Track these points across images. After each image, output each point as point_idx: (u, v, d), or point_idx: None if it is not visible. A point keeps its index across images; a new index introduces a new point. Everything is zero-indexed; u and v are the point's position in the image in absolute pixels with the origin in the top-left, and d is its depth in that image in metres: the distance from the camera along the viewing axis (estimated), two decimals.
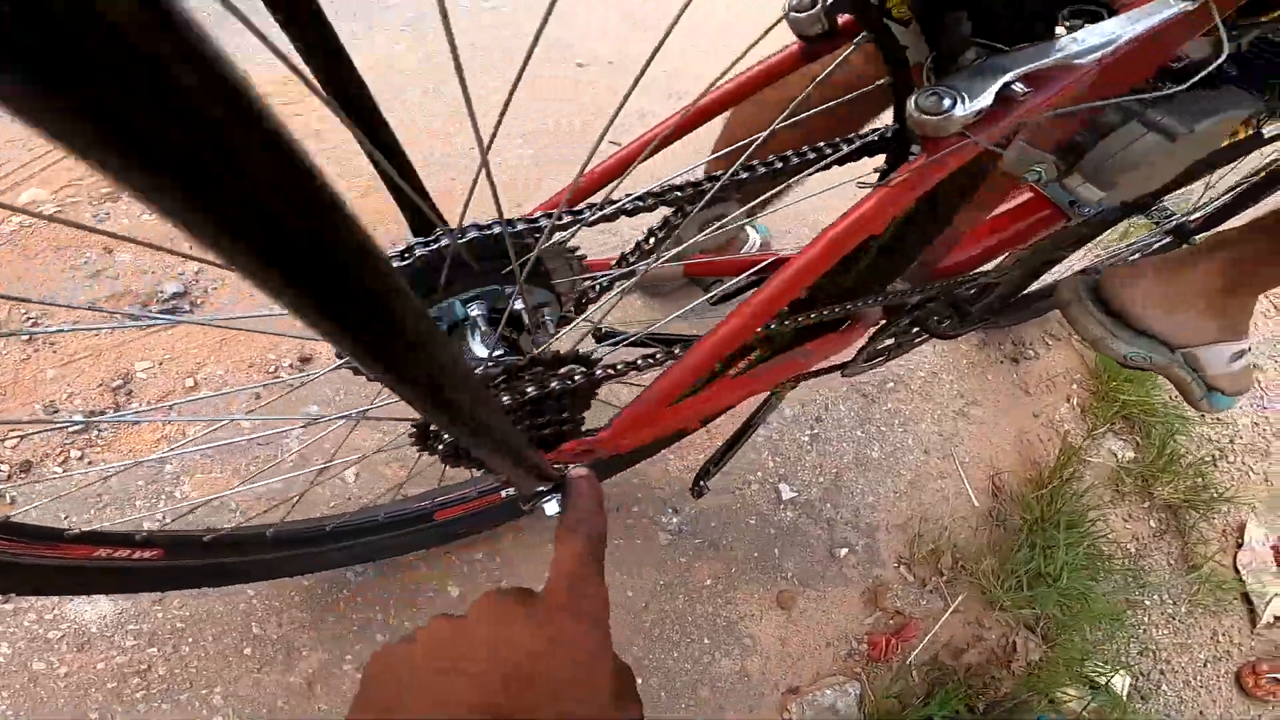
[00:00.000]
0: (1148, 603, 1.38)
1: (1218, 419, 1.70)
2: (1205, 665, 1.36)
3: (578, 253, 0.60)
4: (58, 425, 0.83)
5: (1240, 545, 1.49)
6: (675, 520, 1.24)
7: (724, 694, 1.15)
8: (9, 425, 0.87)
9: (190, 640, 0.86)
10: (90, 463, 0.86)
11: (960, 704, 1.19)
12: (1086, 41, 0.47)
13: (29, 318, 0.96)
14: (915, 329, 1.04)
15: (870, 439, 1.46)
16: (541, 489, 0.68)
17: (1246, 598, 1.44)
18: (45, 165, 1.14)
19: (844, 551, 1.31)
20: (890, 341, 1.05)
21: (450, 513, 1.00)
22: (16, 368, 0.93)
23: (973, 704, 1.20)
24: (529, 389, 0.58)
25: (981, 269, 1.01)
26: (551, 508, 0.69)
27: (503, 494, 1.02)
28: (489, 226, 0.51)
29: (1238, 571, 1.46)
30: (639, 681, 1.11)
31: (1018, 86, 0.49)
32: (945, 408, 1.56)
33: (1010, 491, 1.46)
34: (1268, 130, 1.07)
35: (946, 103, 0.46)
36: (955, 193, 0.66)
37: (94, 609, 0.83)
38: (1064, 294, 1.01)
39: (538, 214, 0.54)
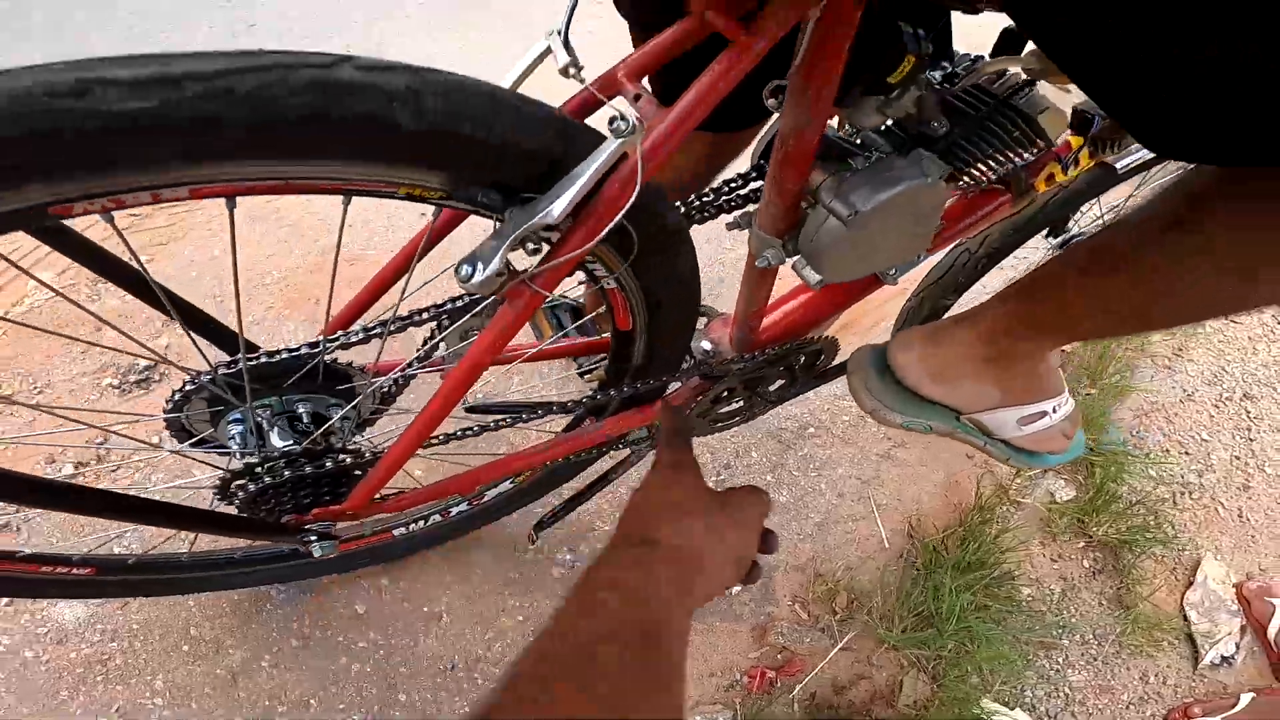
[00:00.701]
0: (1066, 643, 1.32)
1: (1185, 453, 1.60)
2: (1128, 707, 1.27)
3: (354, 364, 0.82)
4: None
5: (1190, 584, 1.38)
6: (570, 557, 1.39)
7: None
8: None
9: (142, 638, 1.14)
10: None
11: None
12: (557, 197, 0.50)
13: (36, 388, 1.34)
14: (752, 395, 1.07)
15: (780, 484, 1.54)
16: (311, 538, 0.91)
17: (1190, 639, 1.33)
18: (50, 251, 1.54)
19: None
20: (739, 404, 1.10)
21: (352, 545, 1.23)
22: (20, 429, 1.30)
23: None
24: (286, 473, 0.78)
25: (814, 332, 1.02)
26: (317, 550, 0.92)
27: (394, 533, 1.24)
28: (235, 362, 0.74)
29: (1183, 611, 1.35)
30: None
31: (530, 244, 0.53)
32: (868, 451, 1.60)
33: (924, 534, 1.47)
34: (1121, 164, 1.09)
35: (467, 270, 0.52)
36: (669, 296, 0.75)
37: (71, 612, 1.13)
38: (849, 364, 0.96)
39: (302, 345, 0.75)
